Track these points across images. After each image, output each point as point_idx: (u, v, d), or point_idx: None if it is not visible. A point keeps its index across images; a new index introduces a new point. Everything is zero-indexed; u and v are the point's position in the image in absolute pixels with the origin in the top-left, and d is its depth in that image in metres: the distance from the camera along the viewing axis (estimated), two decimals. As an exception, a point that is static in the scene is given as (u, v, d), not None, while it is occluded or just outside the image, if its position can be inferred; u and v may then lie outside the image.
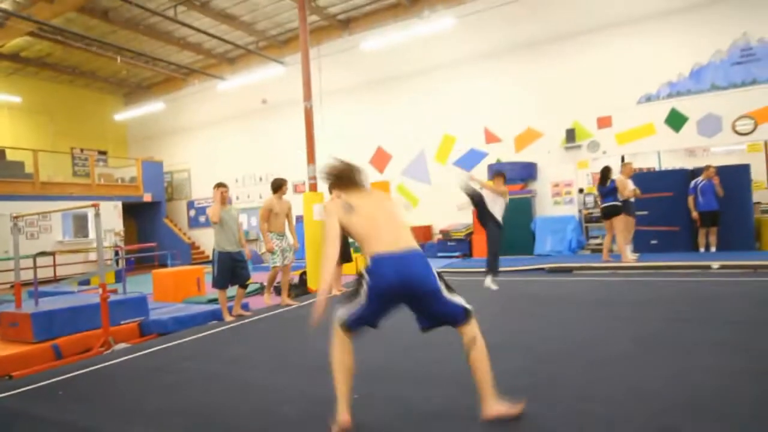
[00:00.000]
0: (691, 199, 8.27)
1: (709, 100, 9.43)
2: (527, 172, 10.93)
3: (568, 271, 7.70)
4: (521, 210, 10.39)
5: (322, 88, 13.13)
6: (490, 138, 11.55)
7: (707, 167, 8.26)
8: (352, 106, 13.49)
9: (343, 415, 2.31)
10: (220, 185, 5.71)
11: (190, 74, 15.07)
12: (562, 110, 10.70)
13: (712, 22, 9.43)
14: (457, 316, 2.36)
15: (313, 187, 7.94)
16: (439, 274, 2.38)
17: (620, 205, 7.53)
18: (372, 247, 2.34)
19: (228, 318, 5.55)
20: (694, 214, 8.21)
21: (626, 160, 9.60)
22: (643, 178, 9.30)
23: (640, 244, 9.05)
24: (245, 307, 6.08)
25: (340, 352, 2.37)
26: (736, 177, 8.54)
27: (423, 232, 11.79)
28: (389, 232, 2.38)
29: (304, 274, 7.64)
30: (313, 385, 2.99)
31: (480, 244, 10.36)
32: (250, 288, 7.19)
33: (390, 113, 12.91)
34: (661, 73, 9.83)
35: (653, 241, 8.92)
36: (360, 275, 2.36)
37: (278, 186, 6.07)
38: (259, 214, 6.09)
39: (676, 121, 9.73)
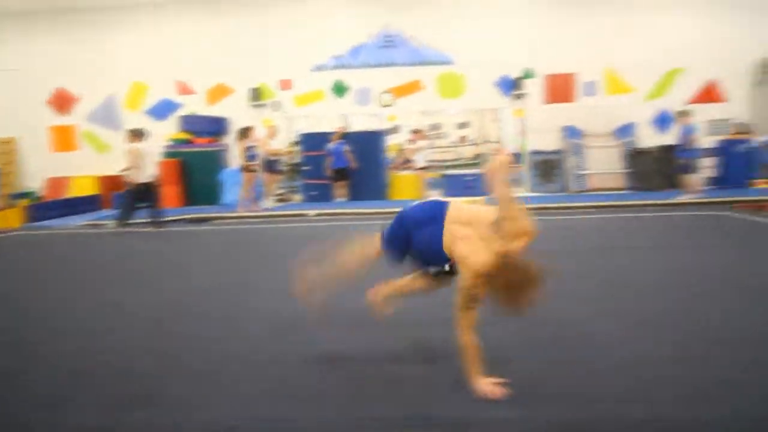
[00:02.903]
0: (328, 159, 10.16)
1: (363, 74, 11.45)
2: (218, 126, 11.56)
3: (205, 220, 8.82)
4: (211, 162, 11.07)
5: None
6: (184, 89, 11.72)
7: (335, 133, 10.20)
8: (26, 37, 11.78)
9: None
10: None
11: None
12: (249, 69, 11.48)
13: (368, 7, 11.32)
14: None
15: None
16: None
17: (249, 164, 8.74)
18: None
19: None
20: (328, 171, 10.16)
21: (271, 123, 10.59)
22: (309, 139, 10.97)
23: (306, 195, 10.83)
24: None
25: None
26: (372, 141, 10.81)
27: (113, 182, 11.46)
28: None
29: None
30: None
31: (168, 195, 10.79)
32: None
33: (75, 51, 11.74)
34: (329, 47, 11.42)
35: (313, 192, 10.74)
36: None
37: None
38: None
39: (339, 90, 11.55)
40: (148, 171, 7.40)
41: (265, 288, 3.97)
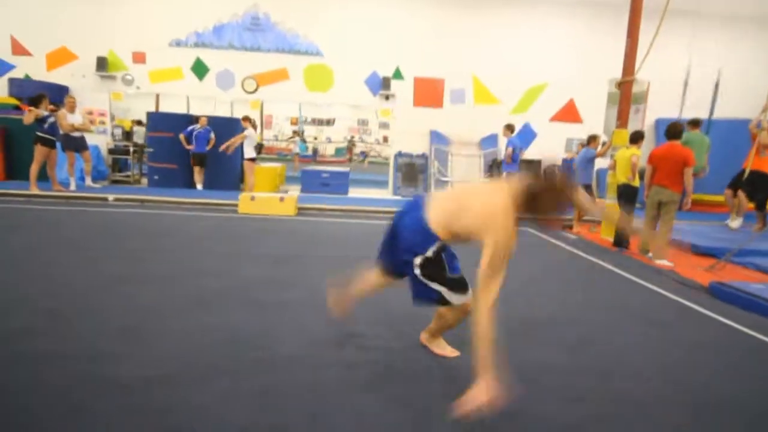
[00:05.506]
0: (183, 138, 9.40)
1: (227, 56, 10.74)
2: (55, 94, 10.32)
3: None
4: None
5: None
6: (18, 49, 10.40)
7: (201, 117, 9.50)
8: None
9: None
10: None
11: None
12: (97, 36, 10.41)
13: (235, -15, 10.61)
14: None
15: None
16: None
17: (41, 136, 7.83)
18: None
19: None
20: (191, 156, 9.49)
21: (70, 95, 9.51)
22: (157, 119, 10.09)
23: (150, 178, 9.94)
24: None
25: None
26: (228, 127, 10.12)
27: None
28: None
29: None
30: None
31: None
32: None
33: None
34: (190, 22, 10.59)
35: (156, 177, 9.87)
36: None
37: None
38: None
39: (200, 69, 10.76)
40: None
41: None
